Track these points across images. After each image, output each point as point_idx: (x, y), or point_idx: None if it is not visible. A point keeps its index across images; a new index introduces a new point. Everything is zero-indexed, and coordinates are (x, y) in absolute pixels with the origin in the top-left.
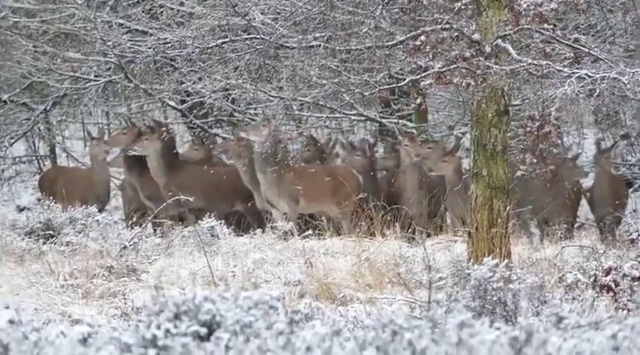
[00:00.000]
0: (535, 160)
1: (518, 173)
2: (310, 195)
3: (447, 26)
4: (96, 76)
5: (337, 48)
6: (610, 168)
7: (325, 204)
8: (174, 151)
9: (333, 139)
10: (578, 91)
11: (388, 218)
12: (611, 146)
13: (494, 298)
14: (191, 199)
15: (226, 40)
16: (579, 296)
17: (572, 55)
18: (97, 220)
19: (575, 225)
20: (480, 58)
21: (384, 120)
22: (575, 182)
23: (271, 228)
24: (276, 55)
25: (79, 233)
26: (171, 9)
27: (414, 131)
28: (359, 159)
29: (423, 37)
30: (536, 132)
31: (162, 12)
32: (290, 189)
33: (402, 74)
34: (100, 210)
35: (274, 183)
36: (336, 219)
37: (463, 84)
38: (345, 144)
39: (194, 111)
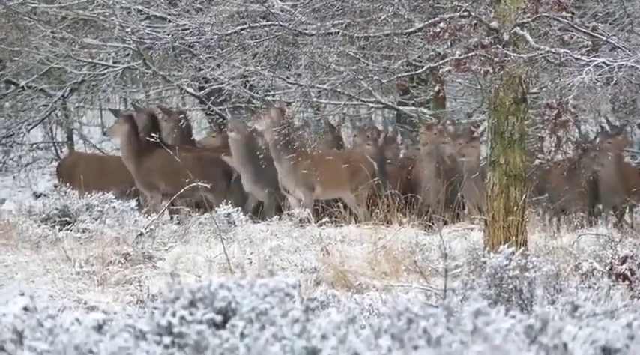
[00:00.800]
0: (553, 149)
1: (536, 162)
2: (326, 181)
3: (466, 14)
4: (114, 63)
5: (356, 35)
6: (618, 153)
7: (341, 191)
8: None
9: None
10: (596, 79)
11: (403, 206)
12: (619, 129)
13: (510, 286)
14: (208, 186)
15: (245, 26)
16: (595, 284)
17: (589, 43)
18: (114, 207)
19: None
20: (498, 45)
21: (402, 108)
22: (594, 171)
23: (288, 215)
24: (295, 42)
25: (96, 220)
26: None
27: (431, 118)
28: (369, 148)
29: (441, 25)
30: (553, 121)
31: None
32: (306, 177)
33: (421, 61)
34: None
35: (291, 170)
36: (351, 205)
37: (481, 71)
38: (358, 127)
39: (212, 98)
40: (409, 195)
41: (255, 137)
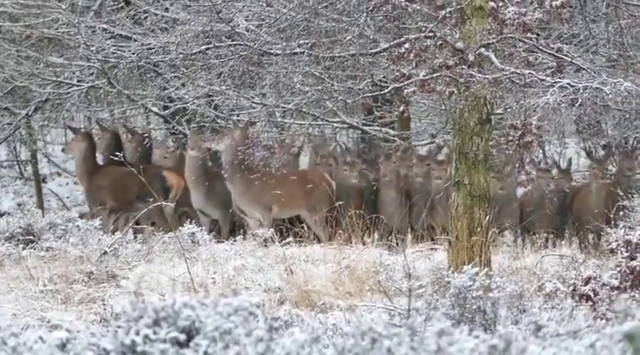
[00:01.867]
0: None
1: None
2: (283, 200)
3: (431, 34)
4: (79, 81)
5: (321, 55)
6: (603, 177)
7: (298, 209)
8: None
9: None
10: (561, 101)
11: (367, 226)
12: (606, 156)
13: (474, 306)
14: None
15: (210, 46)
16: (558, 305)
17: (554, 64)
18: (78, 226)
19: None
20: (463, 66)
21: (366, 128)
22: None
23: (252, 234)
24: (260, 62)
25: (59, 238)
26: (156, 14)
27: (396, 139)
28: (330, 169)
29: (406, 45)
30: (517, 141)
31: (146, 17)
32: (262, 196)
33: (386, 82)
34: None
35: (245, 191)
36: (309, 224)
37: (446, 92)
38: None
39: (177, 118)
40: (373, 215)
41: (208, 156)
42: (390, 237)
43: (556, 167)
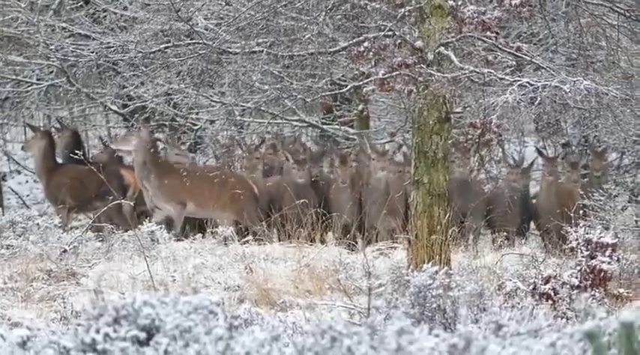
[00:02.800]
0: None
1: (456, 175)
2: (198, 198)
3: (390, 33)
4: (38, 80)
5: (280, 54)
6: (557, 176)
7: (216, 211)
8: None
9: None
10: (520, 99)
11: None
12: (558, 154)
13: (434, 305)
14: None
15: (169, 44)
16: (518, 304)
17: (514, 63)
18: (38, 224)
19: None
20: (423, 65)
21: (326, 127)
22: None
23: (211, 233)
24: (219, 60)
25: (19, 236)
26: (115, 13)
27: (355, 137)
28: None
29: (366, 44)
30: (477, 140)
31: (105, 16)
32: (176, 192)
33: (345, 80)
34: None
35: (158, 186)
36: (225, 225)
37: (405, 91)
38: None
39: (136, 116)
40: (331, 213)
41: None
42: (348, 236)
43: (515, 165)
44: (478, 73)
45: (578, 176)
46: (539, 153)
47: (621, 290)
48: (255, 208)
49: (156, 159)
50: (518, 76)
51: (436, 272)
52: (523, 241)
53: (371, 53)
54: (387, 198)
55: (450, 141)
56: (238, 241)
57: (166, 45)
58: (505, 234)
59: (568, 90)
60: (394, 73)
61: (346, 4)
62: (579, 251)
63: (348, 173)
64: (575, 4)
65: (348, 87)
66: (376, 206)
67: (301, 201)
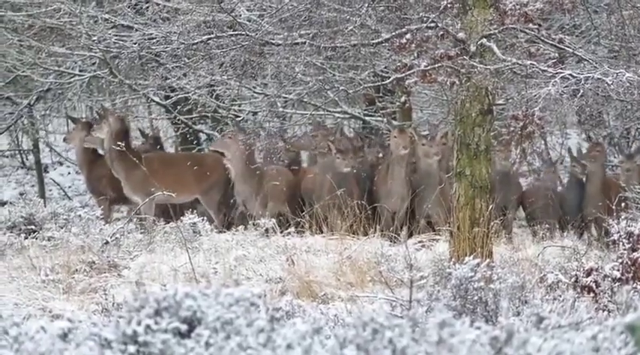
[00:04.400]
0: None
1: (498, 167)
2: (170, 185)
3: (433, 24)
4: (80, 71)
5: (322, 45)
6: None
7: (190, 194)
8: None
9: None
10: (562, 91)
11: (368, 217)
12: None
13: (475, 297)
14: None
15: (212, 36)
16: (560, 296)
17: (556, 55)
18: (79, 215)
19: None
20: (465, 56)
21: (368, 118)
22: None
23: (253, 224)
24: (261, 52)
25: (61, 228)
26: (157, 4)
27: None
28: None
29: (408, 36)
30: (519, 132)
31: (148, 7)
32: (143, 182)
33: (387, 72)
34: None
35: (126, 176)
36: (206, 208)
37: (448, 82)
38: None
39: (178, 107)
40: (375, 205)
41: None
42: (391, 228)
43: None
44: (520, 64)
45: (633, 165)
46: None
47: None
48: (224, 188)
49: (125, 147)
50: (561, 68)
51: (478, 264)
52: (565, 234)
53: (413, 45)
54: (441, 185)
55: (492, 134)
56: (280, 233)
57: (209, 36)
58: (547, 226)
59: (610, 83)
60: (436, 65)
61: None
62: (621, 243)
63: (407, 142)
64: None
65: (391, 78)
66: (429, 194)
67: (341, 189)
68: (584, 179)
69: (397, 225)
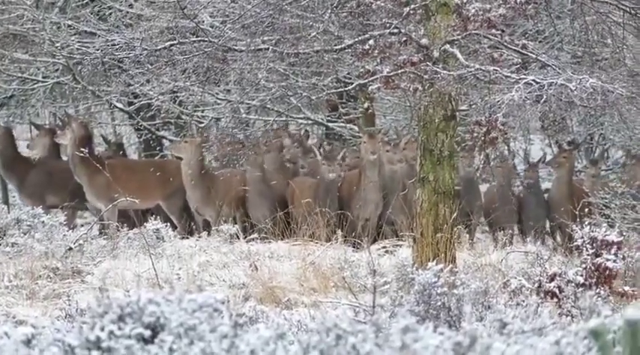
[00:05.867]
0: (482, 165)
1: (462, 173)
2: (133, 191)
3: (395, 31)
4: (44, 77)
5: (285, 51)
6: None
7: (152, 199)
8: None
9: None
10: (526, 97)
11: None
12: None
13: (439, 303)
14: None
15: (175, 42)
16: (523, 301)
17: (519, 60)
18: (43, 221)
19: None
20: (428, 62)
21: (331, 124)
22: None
23: (216, 230)
24: (224, 58)
25: (25, 234)
26: (120, 11)
27: (360, 135)
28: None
29: (371, 42)
30: (482, 138)
31: (110, 14)
32: (105, 189)
33: (350, 78)
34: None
35: (89, 183)
36: (167, 213)
37: (411, 88)
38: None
39: (141, 114)
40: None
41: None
42: (354, 234)
43: (534, 164)
44: (484, 70)
45: (598, 171)
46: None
47: (626, 288)
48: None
49: (15, 154)
50: (524, 74)
51: (441, 270)
52: (528, 239)
53: (376, 51)
54: (404, 191)
55: (455, 139)
56: (244, 239)
57: (172, 42)
58: (510, 231)
59: (574, 88)
60: (400, 71)
61: (351, 1)
62: (584, 249)
63: (377, 147)
64: (581, 2)
65: (354, 84)
66: (392, 199)
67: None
68: (541, 184)
69: (370, 231)
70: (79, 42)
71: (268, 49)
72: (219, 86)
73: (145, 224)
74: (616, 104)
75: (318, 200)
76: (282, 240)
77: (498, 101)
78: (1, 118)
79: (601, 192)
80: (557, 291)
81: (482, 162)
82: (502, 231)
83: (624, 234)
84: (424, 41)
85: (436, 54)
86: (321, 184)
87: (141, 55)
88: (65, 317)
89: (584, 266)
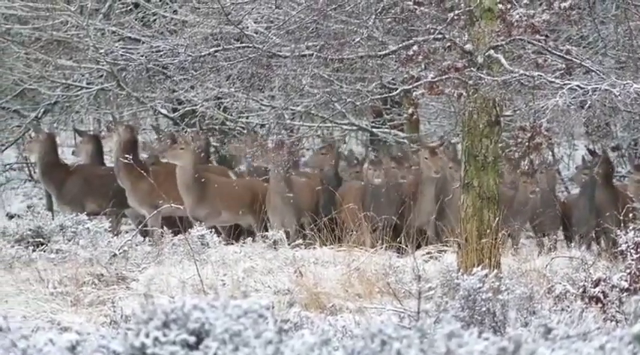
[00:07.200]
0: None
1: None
2: (176, 197)
3: (440, 36)
4: (88, 84)
5: (330, 57)
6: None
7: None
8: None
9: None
10: (570, 103)
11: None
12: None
13: (483, 308)
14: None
15: (219, 48)
16: (568, 307)
17: (563, 66)
18: (87, 228)
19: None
20: (472, 68)
21: (375, 130)
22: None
23: (261, 236)
24: (269, 64)
25: (69, 240)
26: (165, 17)
27: (405, 141)
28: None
29: (415, 47)
30: (527, 143)
31: (155, 20)
32: (148, 195)
33: (394, 84)
34: None
35: (131, 188)
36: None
37: (455, 94)
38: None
39: (186, 120)
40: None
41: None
42: (398, 239)
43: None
44: (528, 76)
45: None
46: (591, 153)
47: None
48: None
49: (134, 159)
50: (568, 80)
51: (486, 275)
52: (572, 244)
53: (420, 56)
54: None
55: (500, 145)
56: (288, 245)
57: (216, 48)
58: (555, 237)
59: (618, 94)
60: (444, 77)
61: (396, 7)
62: (629, 254)
63: (441, 164)
64: (625, 7)
65: (398, 90)
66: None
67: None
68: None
69: (427, 238)
70: (123, 48)
71: (312, 54)
72: (263, 92)
73: (189, 230)
74: None
75: (364, 205)
76: (326, 245)
77: (542, 107)
78: (45, 125)
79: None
80: (601, 296)
81: (526, 167)
82: (546, 237)
83: None
84: (468, 47)
85: (480, 59)
86: (367, 189)
87: (185, 61)
88: (110, 324)
89: (628, 271)
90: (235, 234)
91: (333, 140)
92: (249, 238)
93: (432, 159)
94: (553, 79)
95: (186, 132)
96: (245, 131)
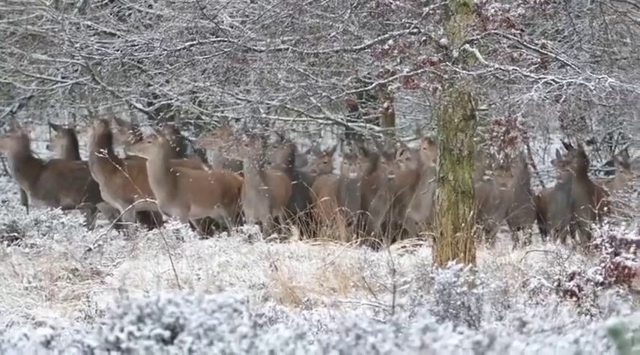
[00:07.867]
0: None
1: (484, 178)
2: (151, 191)
3: (415, 30)
4: (63, 78)
5: (305, 51)
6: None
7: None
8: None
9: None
10: (545, 97)
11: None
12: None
13: (458, 302)
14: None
15: (194, 42)
16: (543, 300)
17: (539, 60)
18: (62, 222)
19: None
20: (448, 62)
21: (351, 124)
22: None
23: (236, 231)
24: (244, 58)
25: (44, 235)
26: (140, 11)
27: (380, 135)
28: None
29: (390, 41)
30: (502, 137)
31: (130, 14)
32: (122, 188)
33: (370, 78)
34: None
35: (105, 182)
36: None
37: (430, 88)
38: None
39: (161, 114)
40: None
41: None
42: (373, 234)
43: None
44: (503, 70)
45: (631, 175)
46: (567, 147)
47: None
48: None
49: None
50: (543, 74)
51: (461, 269)
52: (547, 238)
53: (396, 51)
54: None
55: (475, 139)
56: (263, 239)
57: (191, 43)
58: (530, 231)
59: (593, 88)
60: (419, 71)
61: (371, 1)
62: (603, 247)
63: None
64: (600, 1)
65: (373, 84)
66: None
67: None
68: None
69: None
70: (98, 42)
71: (288, 49)
72: (238, 86)
73: (164, 224)
74: (635, 103)
75: (338, 199)
76: (301, 239)
77: (518, 101)
78: (20, 119)
79: (620, 191)
80: (576, 290)
81: (502, 161)
82: (521, 230)
83: None
84: (443, 41)
85: (455, 53)
86: (341, 183)
87: (160, 55)
88: (84, 318)
89: (603, 265)
90: (208, 228)
91: (284, 133)
92: (224, 232)
93: (431, 148)
94: (528, 73)
95: (160, 126)
96: (220, 125)
